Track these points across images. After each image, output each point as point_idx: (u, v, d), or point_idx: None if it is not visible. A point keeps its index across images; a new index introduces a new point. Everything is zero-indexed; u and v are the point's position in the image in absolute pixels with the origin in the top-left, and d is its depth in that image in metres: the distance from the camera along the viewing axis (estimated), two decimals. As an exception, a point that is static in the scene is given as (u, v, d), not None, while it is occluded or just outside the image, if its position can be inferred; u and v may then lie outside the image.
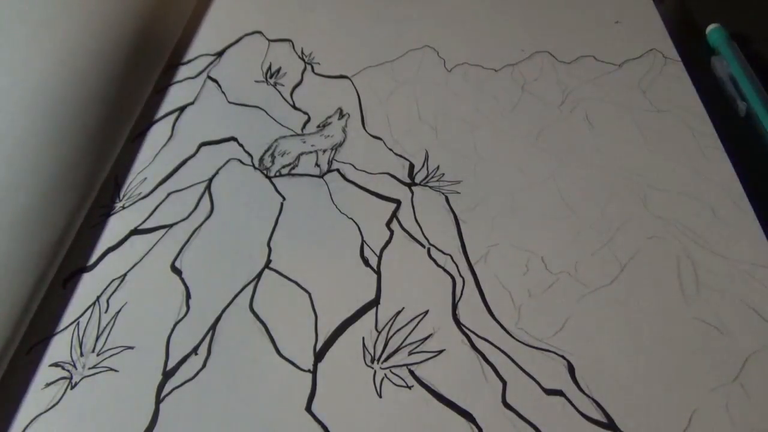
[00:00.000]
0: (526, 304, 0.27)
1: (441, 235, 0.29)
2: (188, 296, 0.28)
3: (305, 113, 0.35)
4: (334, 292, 0.28)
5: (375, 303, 0.27)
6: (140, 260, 0.30)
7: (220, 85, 0.37)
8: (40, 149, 0.30)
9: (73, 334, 0.28)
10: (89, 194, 0.31)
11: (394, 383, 0.25)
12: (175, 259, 0.29)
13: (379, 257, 0.29)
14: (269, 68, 0.37)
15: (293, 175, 0.32)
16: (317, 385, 0.25)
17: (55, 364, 0.27)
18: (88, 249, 0.30)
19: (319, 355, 0.26)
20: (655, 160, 0.31)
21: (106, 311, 0.28)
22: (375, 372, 0.25)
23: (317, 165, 0.32)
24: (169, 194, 0.32)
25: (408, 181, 0.31)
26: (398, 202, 0.30)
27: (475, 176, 0.31)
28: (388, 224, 0.30)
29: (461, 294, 0.27)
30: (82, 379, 0.26)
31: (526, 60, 0.36)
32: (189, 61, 0.38)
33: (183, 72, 0.38)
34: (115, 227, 0.31)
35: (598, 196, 0.29)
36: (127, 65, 0.35)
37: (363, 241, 0.29)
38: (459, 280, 0.27)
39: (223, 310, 0.27)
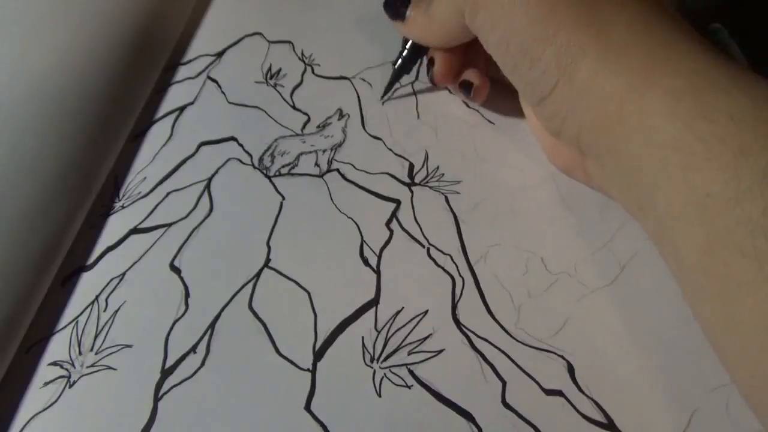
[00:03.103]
0: (526, 304, 0.27)
1: (441, 235, 0.29)
2: (187, 295, 0.28)
3: (305, 114, 0.35)
4: (334, 292, 0.28)
5: (374, 302, 0.27)
6: (139, 259, 0.29)
7: (220, 86, 0.37)
8: (39, 149, 0.30)
9: (72, 332, 0.28)
10: (89, 194, 0.31)
11: (393, 383, 0.25)
12: (174, 258, 0.29)
13: (379, 257, 0.29)
14: (269, 69, 0.37)
15: (293, 174, 0.32)
16: (316, 384, 0.25)
17: (54, 363, 0.27)
18: (87, 248, 0.30)
19: (318, 354, 0.26)
20: (655, 161, 0.31)
21: (105, 310, 0.28)
22: (374, 371, 0.25)
23: (317, 165, 0.32)
24: (168, 193, 0.32)
25: (408, 181, 0.31)
26: (398, 202, 0.30)
27: (475, 176, 0.31)
28: (388, 224, 0.30)
29: (461, 294, 0.27)
30: (80, 377, 0.26)
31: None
32: (189, 62, 0.38)
33: (183, 72, 0.38)
34: (115, 226, 0.31)
35: (598, 196, 0.29)
36: (127, 65, 0.35)
37: (363, 240, 0.29)
38: (459, 280, 0.27)
39: (222, 309, 0.27)
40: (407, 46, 0.32)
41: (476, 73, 0.31)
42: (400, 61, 0.33)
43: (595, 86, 0.22)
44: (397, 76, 0.34)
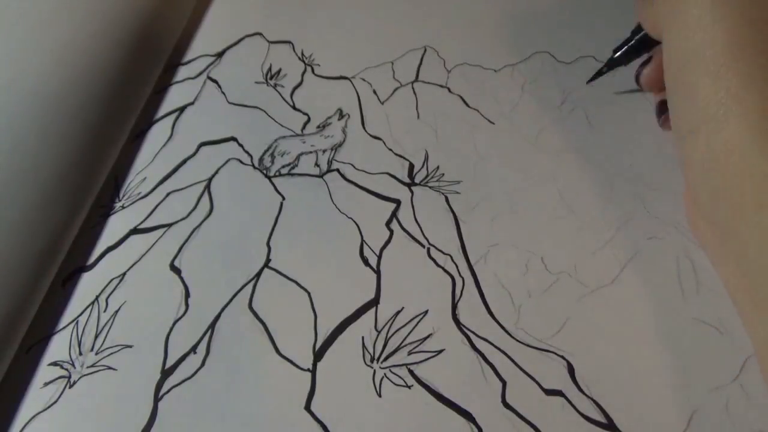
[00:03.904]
0: (526, 304, 0.27)
1: (441, 235, 0.29)
2: (187, 295, 0.28)
3: (305, 114, 0.35)
4: (334, 292, 0.28)
5: (374, 302, 0.27)
6: (139, 259, 0.29)
7: (220, 86, 0.37)
8: (40, 149, 0.30)
9: (72, 333, 0.27)
10: (89, 194, 0.31)
11: (393, 383, 0.25)
12: (175, 258, 0.29)
13: (379, 257, 0.29)
14: (269, 69, 0.37)
15: (293, 174, 0.32)
16: (316, 384, 0.25)
17: (54, 363, 0.27)
18: (87, 248, 0.30)
19: (318, 355, 0.26)
20: (655, 161, 0.31)
21: (105, 310, 0.28)
22: (374, 371, 0.25)
23: (317, 165, 0.32)
24: (168, 194, 0.32)
25: (408, 181, 0.31)
26: (398, 202, 0.30)
27: (475, 176, 0.31)
28: (388, 224, 0.30)
29: (461, 294, 0.27)
30: (80, 377, 0.26)
31: (526, 60, 0.36)
32: (189, 62, 0.38)
33: (183, 72, 0.38)
34: (115, 227, 0.31)
35: (598, 196, 0.29)
36: (127, 65, 0.35)
37: (363, 240, 0.29)
38: (459, 280, 0.27)
39: (222, 309, 0.27)
40: (637, 37, 0.30)
41: None
42: (624, 48, 0.30)
43: (737, 157, 0.20)
44: (615, 63, 0.31)
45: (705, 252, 0.25)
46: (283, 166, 0.32)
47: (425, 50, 0.37)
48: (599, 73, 0.32)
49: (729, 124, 0.20)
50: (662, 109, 0.29)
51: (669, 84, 0.24)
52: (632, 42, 0.30)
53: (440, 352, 0.26)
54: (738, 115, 0.20)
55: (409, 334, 0.26)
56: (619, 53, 0.31)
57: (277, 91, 0.36)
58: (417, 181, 0.31)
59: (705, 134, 0.21)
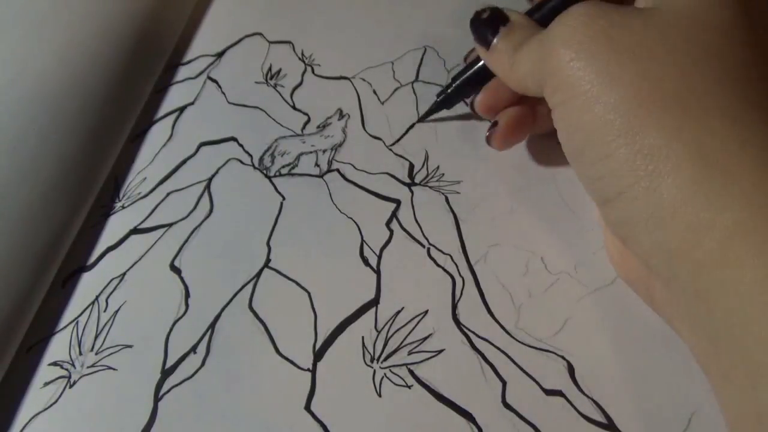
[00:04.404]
0: (526, 304, 0.27)
1: (441, 234, 0.29)
2: (187, 295, 0.28)
3: (305, 114, 0.35)
4: (334, 292, 0.28)
5: (375, 302, 0.27)
6: (139, 259, 0.30)
7: (220, 86, 0.37)
8: (39, 149, 0.30)
9: (72, 333, 0.28)
10: (89, 194, 0.31)
11: (393, 383, 0.25)
12: (175, 258, 0.29)
13: (379, 257, 0.29)
14: (269, 69, 0.37)
15: (293, 175, 0.32)
16: (316, 384, 0.25)
17: (54, 363, 0.27)
18: (87, 248, 0.30)
19: (318, 354, 0.26)
20: (655, 161, 0.31)
21: (105, 310, 0.28)
22: (374, 371, 0.25)
23: (317, 165, 0.32)
24: (168, 194, 0.32)
25: (408, 181, 0.31)
26: (398, 202, 0.30)
27: (475, 176, 0.31)
28: (388, 224, 0.30)
29: (461, 294, 0.27)
30: (80, 377, 0.26)
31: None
32: (189, 62, 0.38)
33: (183, 72, 0.38)
34: (115, 227, 0.31)
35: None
36: (127, 65, 0.35)
37: (363, 240, 0.29)
38: (459, 280, 0.27)
39: (223, 309, 0.27)
40: (474, 68, 0.30)
41: (512, 115, 0.29)
42: (463, 78, 0.30)
43: (688, 212, 0.18)
44: (439, 105, 0.32)
45: (667, 322, 0.23)
46: (283, 166, 0.32)
47: (425, 50, 0.37)
48: (430, 112, 0.32)
49: (664, 180, 0.18)
50: (492, 126, 0.29)
51: (574, 148, 0.22)
52: (470, 74, 0.30)
53: (440, 352, 0.26)
54: (671, 170, 0.18)
55: (409, 334, 0.26)
56: (456, 83, 0.31)
57: (277, 91, 0.36)
58: (417, 181, 0.31)
59: (641, 194, 0.19)
